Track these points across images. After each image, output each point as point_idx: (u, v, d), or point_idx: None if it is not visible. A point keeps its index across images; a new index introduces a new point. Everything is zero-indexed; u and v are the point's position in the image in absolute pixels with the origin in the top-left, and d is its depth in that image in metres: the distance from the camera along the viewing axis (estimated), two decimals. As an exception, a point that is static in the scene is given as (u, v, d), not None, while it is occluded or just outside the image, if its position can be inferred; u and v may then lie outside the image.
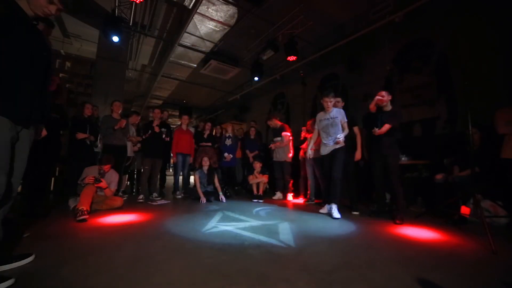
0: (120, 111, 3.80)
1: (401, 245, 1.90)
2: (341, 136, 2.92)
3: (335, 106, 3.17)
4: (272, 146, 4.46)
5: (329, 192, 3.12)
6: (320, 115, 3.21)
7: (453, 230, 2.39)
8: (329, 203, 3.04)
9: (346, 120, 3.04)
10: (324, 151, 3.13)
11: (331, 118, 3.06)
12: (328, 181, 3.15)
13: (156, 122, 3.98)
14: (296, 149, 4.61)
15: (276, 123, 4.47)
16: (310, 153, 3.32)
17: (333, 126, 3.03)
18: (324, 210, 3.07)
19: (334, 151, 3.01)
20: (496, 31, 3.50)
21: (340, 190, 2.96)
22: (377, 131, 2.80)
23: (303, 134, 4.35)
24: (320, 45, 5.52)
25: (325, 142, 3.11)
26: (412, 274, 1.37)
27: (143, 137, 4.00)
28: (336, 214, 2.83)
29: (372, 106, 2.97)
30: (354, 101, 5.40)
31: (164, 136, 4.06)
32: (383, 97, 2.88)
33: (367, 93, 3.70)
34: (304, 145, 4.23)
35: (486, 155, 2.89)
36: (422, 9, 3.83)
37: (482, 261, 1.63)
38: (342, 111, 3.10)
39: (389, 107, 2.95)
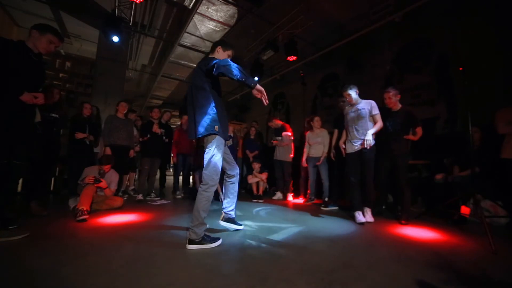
0: (125, 112, 3.80)
1: (401, 245, 1.90)
2: (371, 141, 2.55)
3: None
4: (274, 142, 4.40)
5: (353, 194, 2.86)
6: (347, 109, 2.94)
7: (453, 230, 2.38)
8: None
9: (377, 112, 2.68)
10: (351, 149, 2.82)
11: (358, 110, 2.75)
12: (353, 182, 2.80)
13: (155, 127, 3.91)
14: (297, 150, 4.60)
15: (277, 123, 4.47)
16: (335, 151, 3.06)
17: (360, 119, 2.72)
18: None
19: (363, 151, 2.70)
20: (496, 31, 3.51)
21: (373, 192, 2.77)
22: (413, 137, 2.74)
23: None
24: (320, 45, 5.53)
25: (351, 139, 2.82)
26: (412, 274, 1.37)
27: (141, 139, 3.98)
28: (369, 218, 2.65)
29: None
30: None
31: (164, 137, 4.04)
32: (390, 98, 2.82)
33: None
34: (305, 149, 4.19)
35: (486, 155, 2.89)
36: (422, 9, 3.83)
37: (482, 261, 1.62)
38: (372, 102, 2.72)
39: (398, 106, 2.86)
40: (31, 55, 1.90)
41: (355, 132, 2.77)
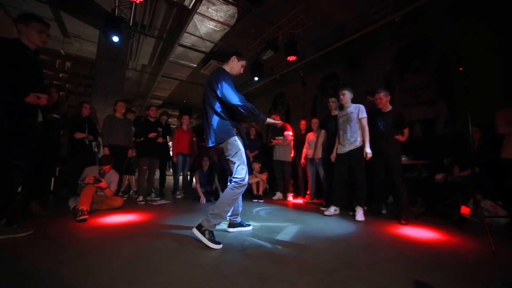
0: (123, 111, 3.79)
1: (401, 245, 1.90)
2: (369, 154, 2.76)
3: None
4: (274, 141, 4.32)
5: (332, 194, 3.09)
6: (339, 114, 3.14)
7: (453, 230, 2.39)
8: (334, 204, 3.04)
9: (364, 116, 2.86)
10: (340, 150, 3.01)
11: (347, 114, 2.96)
12: (339, 183, 3.03)
13: (152, 135, 3.83)
14: (297, 150, 4.60)
15: (277, 120, 4.46)
16: (334, 155, 3.15)
17: (349, 122, 2.92)
18: (329, 212, 2.99)
19: (351, 152, 2.88)
20: (496, 31, 3.51)
21: (365, 192, 2.85)
22: (401, 138, 2.88)
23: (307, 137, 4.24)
24: (320, 45, 5.52)
25: (342, 141, 2.99)
26: (412, 274, 1.37)
27: (133, 139, 3.89)
28: (360, 216, 2.74)
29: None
30: (354, 101, 5.40)
31: (160, 137, 3.98)
32: (381, 99, 2.92)
33: (369, 90, 3.72)
34: (304, 149, 4.20)
35: (486, 155, 2.89)
36: (422, 9, 3.83)
37: (482, 261, 1.63)
38: (360, 106, 2.92)
39: (388, 108, 2.96)
40: (29, 53, 1.87)
41: (345, 135, 2.96)
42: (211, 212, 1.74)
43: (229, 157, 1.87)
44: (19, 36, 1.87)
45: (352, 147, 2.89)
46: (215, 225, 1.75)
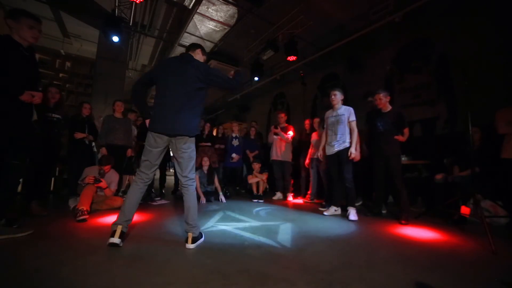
0: (122, 111, 3.78)
1: (401, 245, 1.90)
2: (354, 154, 2.81)
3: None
4: (279, 132, 4.25)
5: (332, 194, 3.12)
6: (327, 113, 3.15)
7: (453, 230, 2.39)
8: (334, 205, 3.04)
9: (354, 119, 2.92)
10: (329, 151, 3.04)
11: (338, 115, 2.98)
12: (332, 182, 3.10)
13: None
14: (296, 150, 4.59)
15: (283, 116, 4.47)
16: (321, 152, 3.24)
17: (339, 123, 2.94)
18: (329, 212, 3.00)
19: (340, 153, 2.91)
20: (496, 31, 3.51)
21: (354, 192, 2.90)
22: (401, 138, 2.88)
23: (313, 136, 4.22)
24: (320, 45, 5.53)
25: (330, 142, 3.01)
26: (412, 274, 1.37)
27: (137, 140, 4.01)
28: (352, 216, 2.75)
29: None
30: (354, 101, 5.40)
31: None
32: (381, 99, 2.93)
33: (368, 91, 3.73)
34: (310, 150, 4.19)
35: (486, 155, 2.89)
36: (422, 9, 3.83)
37: (482, 261, 1.63)
38: (350, 109, 2.97)
39: (388, 108, 2.97)
40: (22, 50, 1.81)
41: (333, 136, 2.98)
42: (191, 224, 1.76)
43: (190, 153, 1.83)
44: (10, 33, 1.81)
45: (341, 147, 2.92)
46: (199, 227, 1.85)
